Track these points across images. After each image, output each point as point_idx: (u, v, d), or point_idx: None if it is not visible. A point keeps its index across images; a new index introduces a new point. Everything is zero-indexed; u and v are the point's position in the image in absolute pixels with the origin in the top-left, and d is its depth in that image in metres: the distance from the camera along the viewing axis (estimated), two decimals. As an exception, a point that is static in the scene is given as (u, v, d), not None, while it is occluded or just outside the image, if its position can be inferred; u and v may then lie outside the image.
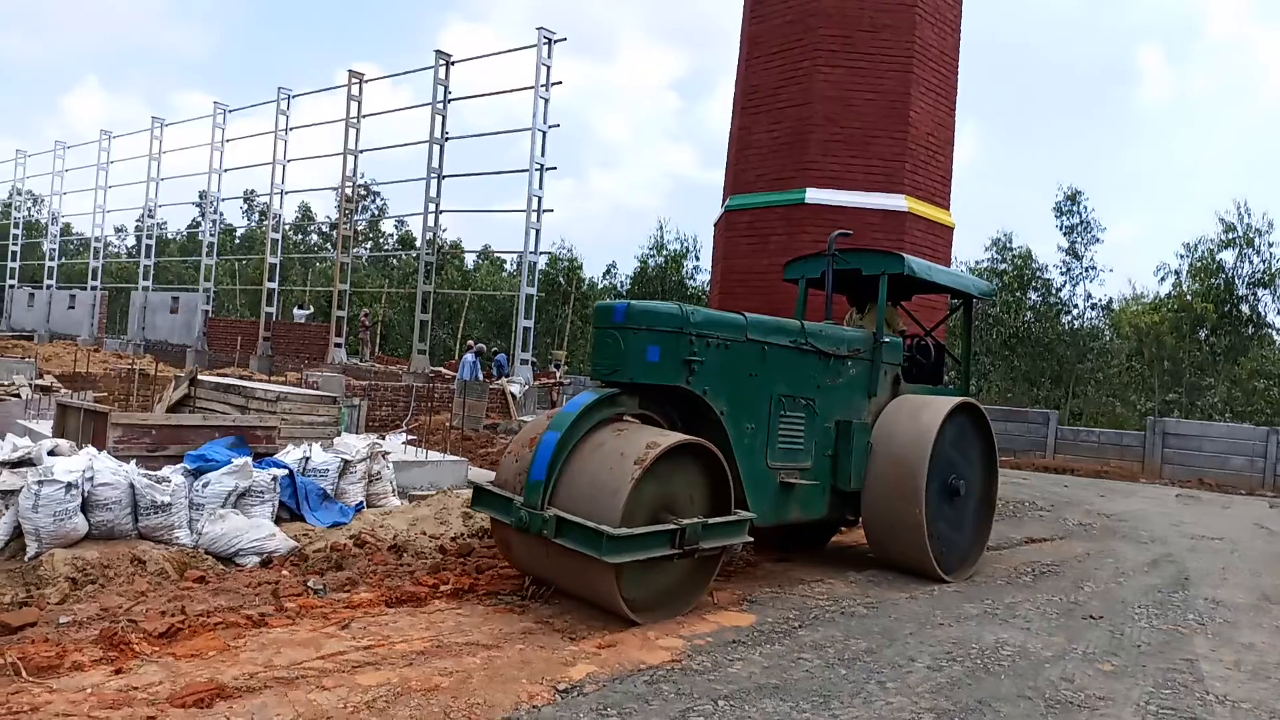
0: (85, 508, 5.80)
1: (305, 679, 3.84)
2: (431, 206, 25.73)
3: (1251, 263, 30.98)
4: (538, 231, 22.77)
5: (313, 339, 29.83)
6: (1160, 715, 4.27)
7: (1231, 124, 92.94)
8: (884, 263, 7.42)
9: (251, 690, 3.68)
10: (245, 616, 4.61)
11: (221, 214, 38.24)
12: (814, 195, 11.46)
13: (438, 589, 5.43)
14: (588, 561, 4.73)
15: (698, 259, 43.55)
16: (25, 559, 5.57)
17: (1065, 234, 34.66)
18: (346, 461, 7.67)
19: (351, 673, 3.96)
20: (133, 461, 6.44)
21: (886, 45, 11.61)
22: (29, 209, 51.67)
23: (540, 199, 22.64)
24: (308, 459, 7.52)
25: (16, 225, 46.18)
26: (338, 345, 27.41)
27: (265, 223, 39.73)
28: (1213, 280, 31.09)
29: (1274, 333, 32.64)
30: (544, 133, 22.70)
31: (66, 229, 47.13)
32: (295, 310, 35.08)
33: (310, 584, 5.40)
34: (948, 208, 12.47)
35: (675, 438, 5.18)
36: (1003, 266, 36.05)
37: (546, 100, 22.73)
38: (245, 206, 53.83)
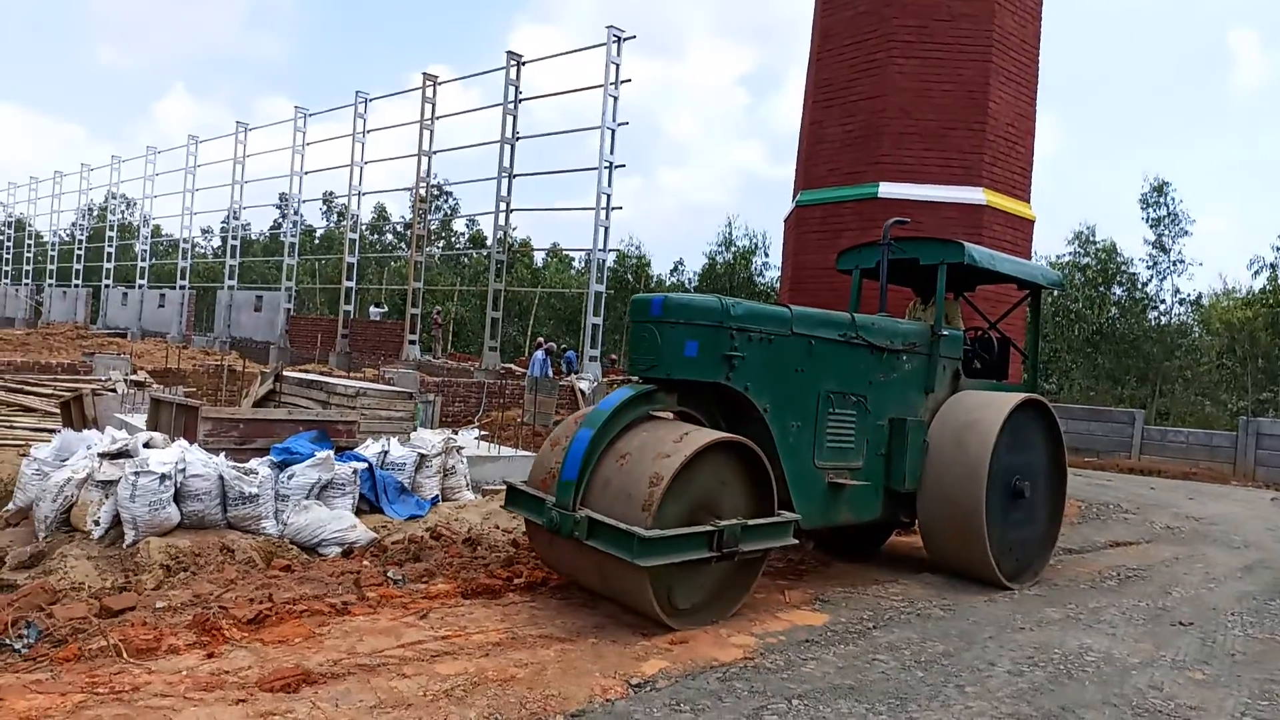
0: (178, 498, 6.06)
1: (386, 666, 3.95)
2: (502, 205, 26.07)
3: (1352, 255, 29.41)
4: (606, 229, 22.90)
5: (387, 336, 30.56)
6: (1257, 728, 4.09)
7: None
8: (943, 251, 7.06)
9: (335, 676, 3.80)
10: (329, 605, 4.75)
11: (302, 215, 39.41)
12: (887, 189, 11.26)
13: (511, 582, 5.51)
14: (621, 564, 4.55)
15: (767, 255, 43.34)
16: (123, 546, 5.84)
17: (1151, 226, 33.48)
18: (422, 456, 7.85)
19: (430, 662, 4.06)
20: (222, 454, 6.70)
21: (965, 34, 11.34)
22: (123, 212, 54.10)
23: (609, 196, 22.74)
24: (386, 453, 7.71)
25: (112, 228, 48.39)
26: (411, 342, 27.98)
27: (343, 223, 40.83)
28: (1311, 274, 29.64)
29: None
30: (613, 131, 22.78)
31: (157, 230, 49.09)
32: (371, 308, 35.96)
33: (390, 574, 5.54)
34: (1028, 200, 12.12)
35: (711, 435, 4.98)
36: (1086, 261, 34.95)
37: (616, 98, 22.82)
38: (324, 208, 55.37)
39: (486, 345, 25.68)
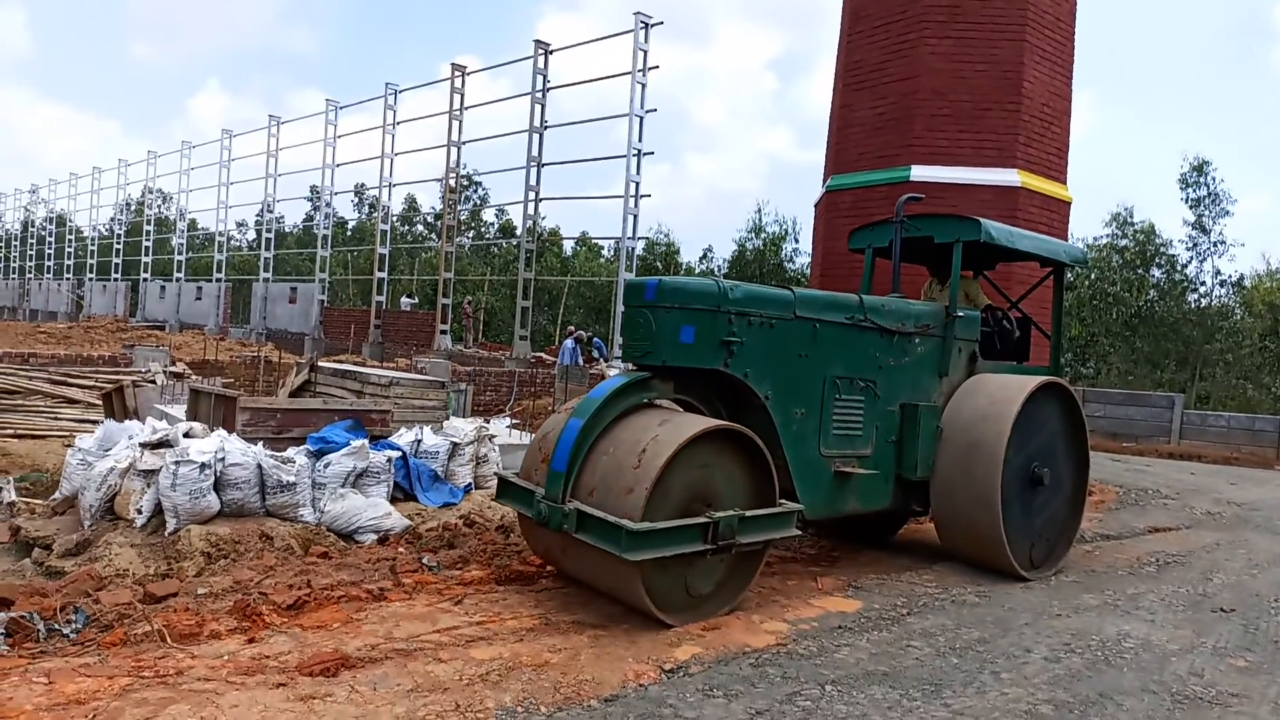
0: (218, 486, 6.17)
1: (423, 651, 4.01)
2: (531, 194, 26.13)
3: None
4: (635, 217, 22.85)
5: (419, 326, 30.83)
6: (1302, 716, 4.02)
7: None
8: (958, 229, 6.74)
9: (373, 661, 3.86)
10: (366, 591, 4.83)
11: (334, 208, 39.83)
12: (919, 172, 11.14)
13: (544, 568, 5.55)
14: (612, 558, 4.37)
15: (796, 241, 42.95)
16: (165, 534, 5.97)
17: (1191, 207, 32.67)
18: (455, 444, 7.92)
19: (466, 646, 4.11)
20: (260, 443, 6.81)
21: (998, 13, 11.16)
22: (159, 206, 55.00)
23: (638, 184, 22.69)
24: (419, 441, 7.79)
25: (149, 222, 49.23)
26: (443, 332, 28.19)
27: (375, 215, 41.15)
28: (1359, 253, 28.82)
29: None
30: (641, 118, 22.70)
31: (193, 224, 49.94)
32: (402, 299, 36.27)
33: (425, 561, 5.61)
34: (1064, 182, 11.93)
35: (703, 424, 4.74)
36: (1124, 243, 34.27)
37: (644, 85, 22.72)
38: (356, 200, 55.85)
39: (517, 334, 25.80)
